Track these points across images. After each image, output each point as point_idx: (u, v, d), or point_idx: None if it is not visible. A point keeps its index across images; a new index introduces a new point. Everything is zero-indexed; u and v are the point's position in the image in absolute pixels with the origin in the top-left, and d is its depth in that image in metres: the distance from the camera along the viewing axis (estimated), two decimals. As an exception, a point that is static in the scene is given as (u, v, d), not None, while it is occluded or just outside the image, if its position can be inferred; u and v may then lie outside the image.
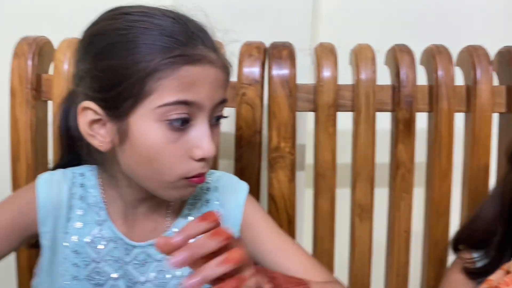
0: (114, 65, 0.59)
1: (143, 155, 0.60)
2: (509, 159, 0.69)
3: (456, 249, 0.75)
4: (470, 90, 0.86)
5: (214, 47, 0.63)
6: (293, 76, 0.85)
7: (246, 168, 0.87)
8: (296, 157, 0.87)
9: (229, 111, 0.87)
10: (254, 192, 0.87)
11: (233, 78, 0.85)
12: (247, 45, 0.88)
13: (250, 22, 1.04)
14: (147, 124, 0.59)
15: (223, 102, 0.65)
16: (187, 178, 0.61)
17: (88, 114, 0.61)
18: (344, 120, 0.88)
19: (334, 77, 0.85)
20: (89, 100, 0.61)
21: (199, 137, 0.60)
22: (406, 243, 0.87)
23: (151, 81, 0.58)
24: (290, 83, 0.85)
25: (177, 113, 0.59)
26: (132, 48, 0.59)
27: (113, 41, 0.60)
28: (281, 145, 0.85)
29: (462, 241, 0.74)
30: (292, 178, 0.86)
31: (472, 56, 0.87)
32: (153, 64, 0.57)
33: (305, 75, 0.92)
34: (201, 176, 0.63)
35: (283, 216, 0.86)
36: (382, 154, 0.89)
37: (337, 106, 0.86)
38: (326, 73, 0.85)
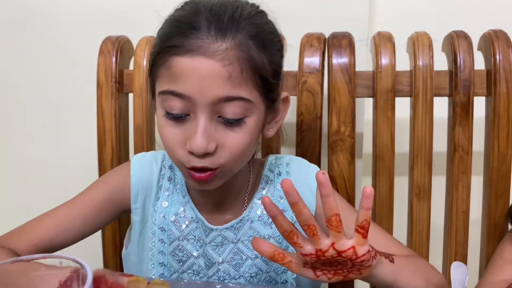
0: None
1: (160, 134, 0.65)
2: None
3: None
4: (530, 73, 0.87)
5: (223, 35, 0.59)
6: (352, 63, 0.90)
7: (306, 152, 0.94)
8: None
9: (291, 99, 0.95)
10: (315, 174, 0.93)
11: (294, 67, 0.93)
12: (308, 36, 0.94)
13: (309, 14, 1.10)
14: (158, 107, 0.64)
15: (231, 100, 0.60)
16: (187, 168, 0.63)
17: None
18: (402, 106, 0.92)
19: (392, 64, 0.89)
20: None
21: (193, 131, 0.60)
22: (464, 223, 0.90)
23: (155, 68, 0.63)
24: (349, 70, 0.90)
25: (169, 104, 0.61)
26: (156, 38, 0.65)
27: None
28: (341, 129, 0.90)
29: None
30: (352, 160, 0.91)
31: (532, 39, 0.88)
32: (155, 53, 0.63)
33: (362, 64, 0.96)
34: (201, 172, 0.62)
35: (344, 197, 0.91)
36: (439, 138, 0.92)
37: (395, 92, 0.90)
38: (384, 60, 0.90)
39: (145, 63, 0.99)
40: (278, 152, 0.95)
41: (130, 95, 1.03)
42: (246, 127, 0.62)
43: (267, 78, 0.62)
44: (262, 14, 0.65)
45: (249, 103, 0.61)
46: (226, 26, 0.59)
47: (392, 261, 0.57)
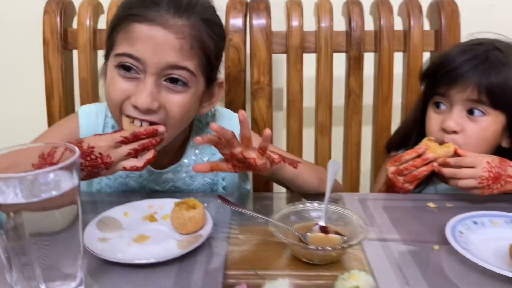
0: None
1: (105, 91, 0.75)
2: (419, 77, 0.94)
3: (388, 151, 1.02)
4: (406, 34, 1.12)
5: (181, 14, 0.69)
6: (269, 24, 1.09)
7: (234, 99, 1.13)
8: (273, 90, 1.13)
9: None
10: (241, 117, 1.13)
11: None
12: (232, 0, 1.11)
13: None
14: (110, 69, 0.74)
15: (177, 68, 0.69)
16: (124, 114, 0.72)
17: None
18: (309, 60, 1.13)
19: (301, 25, 1.09)
20: None
21: (139, 89, 0.70)
22: (357, 153, 1.15)
23: (114, 33, 0.73)
24: (267, 30, 1.09)
25: (123, 62, 0.70)
26: (118, 7, 0.75)
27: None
28: (261, 79, 1.10)
29: (392, 143, 1.01)
30: (269, 105, 1.12)
31: (408, 7, 1.12)
32: (117, 18, 0.73)
33: (281, 25, 1.15)
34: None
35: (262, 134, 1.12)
36: (338, 86, 1.15)
37: (304, 48, 1.11)
38: (295, 22, 1.09)
39: (88, 22, 1.11)
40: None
41: (75, 52, 1.15)
42: (186, 95, 0.73)
43: (210, 59, 0.75)
44: (213, 7, 0.78)
45: (192, 75, 0.73)
46: (184, 8, 0.71)
47: (295, 167, 0.79)
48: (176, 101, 0.72)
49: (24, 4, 1.31)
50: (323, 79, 1.12)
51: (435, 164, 0.79)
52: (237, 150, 0.68)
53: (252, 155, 0.68)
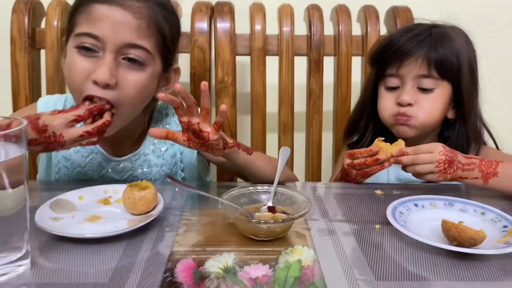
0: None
1: (65, 75, 0.78)
2: (368, 59, 0.99)
3: (345, 139, 1.06)
4: (364, 39, 1.18)
5: None
6: (233, 27, 1.13)
7: (198, 98, 1.15)
8: (237, 90, 1.16)
9: (185, 56, 1.16)
10: (206, 115, 1.16)
11: (187, 29, 1.14)
12: (198, 3, 1.15)
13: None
14: (70, 50, 0.77)
15: (135, 47, 0.73)
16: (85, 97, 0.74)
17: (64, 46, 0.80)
18: (272, 62, 1.17)
19: (263, 29, 1.14)
20: None
21: (99, 65, 0.73)
22: (318, 149, 1.19)
23: (75, 15, 0.76)
24: (230, 32, 1.13)
25: (83, 42, 0.73)
26: None
27: None
28: (225, 78, 1.14)
29: (346, 131, 1.04)
30: (233, 103, 1.15)
31: (365, 13, 1.18)
32: (77, 2, 0.76)
33: (245, 28, 1.19)
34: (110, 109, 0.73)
35: (227, 133, 1.16)
36: (300, 87, 1.19)
37: (266, 51, 1.15)
38: (257, 26, 1.14)
39: (56, 22, 1.13)
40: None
41: (42, 51, 1.17)
42: (144, 73, 0.76)
43: (166, 40, 0.79)
44: (171, 4, 0.83)
45: (149, 54, 0.76)
46: None
47: (250, 154, 0.82)
48: (133, 79, 0.76)
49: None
50: (285, 80, 1.16)
51: (386, 164, 0.82)
52: (195, 120, 0.72)
53: (207, 128, 0.71)
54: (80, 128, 0.70)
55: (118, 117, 0.77)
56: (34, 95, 1.17)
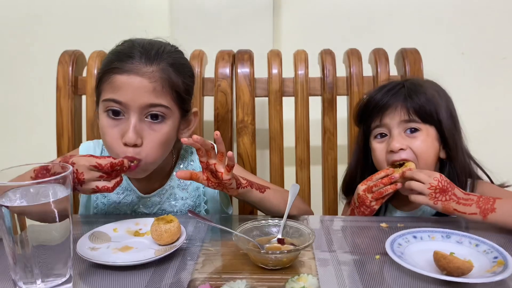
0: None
1: (101, 134, 0.89)
2: (354, 120, 1.07)
3: (344, 193, 1.11)
4: (374, 79, 1.26)
5: (151, 62, 0.85)
6: (252, 72, 1.24)
7: (222, 136, 1.24)
8: (256, 128, 1.26)
9: (209, 98, 1.27)
10: (228, 152, 1.27)
11: (211, 74, 1.26)
12: (221, 52, 1.27)
13: (228, 33, 1.45)
14: (100, 112, 0.89)
15: (154, 106, 0.85)
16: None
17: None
18: (289, 102, 1.27)
19: (280, 73, 1.25)
20: None
21: (126, 128, 0.85)
22: (334, 185, 1.26)
23: (101, 83, 0.88)
24: (250, 77, 1.24)
25: (110, 106, 0.85)
26: (103, 62, 0.91)
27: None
28: (245, 119, 1.24)
29: (343, 186, 1.10)
30: (253, 141, 1.25)
31: (375, 55, 1.27)
32: (102, 73, 0.88)
33: (263, 72, 1.30)
34: (132, 161, 0.84)
35: (248, 168, 1.25)
36: (315, 125, 1.28)
37: (283, 92, 1.25)
38: (274, 70, 1.25)
39: (95, 71, 1.28)
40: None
41: (83, 97, 1.32)
42: (164, 127, 0.88)
43: (180, 93, 0.90)
44: (178, 51, 0.94)
45: (168, 109, 0.88)
46: (153, 57, 0.87)
47: (262, 192, 0.90)
48: (155, 135, 0.87)
49: (41, 54, 1.52)
50: (301, 119, 1.25)
51: (399, 184, 0.90)
52: (212, 161, 0.81)
53: (221, 169, 0.81)
54: (100, 181, 0.81)
55: (145, 166, 0.88)
56: (76, 136, 1.31)
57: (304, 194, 1.26)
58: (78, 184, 0.81)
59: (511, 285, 0.65)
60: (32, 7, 1.61)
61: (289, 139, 1.29)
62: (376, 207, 0.93)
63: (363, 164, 1.04)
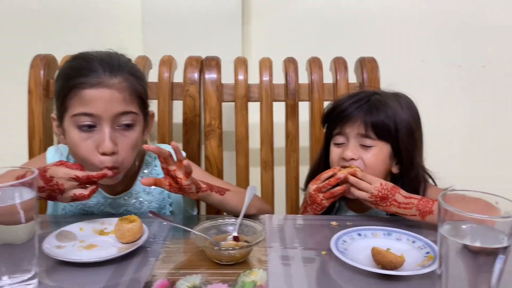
0: (56, 88, 0.95)
1: (71, 148, 0.94)
2: (321, 121, 1.13)
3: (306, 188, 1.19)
4: (334, 86, 1.33)
5: (115, 74, 0.89)
6: (219, 78, 1.30)
7: (190, 140, 1.32)
8: (223, 132, 1.32)
9: (178, 103, 1.33)
10: (196, 155, 1.33)
11: (180, 79, 1.31)
12: (190, 58, 1.33)
13: (196, 40, 1.50)
14: (69, 128, 0.92)
15: (125, 113, 0.90)
16: (101, 168, 0.89)
17: (54, 121, 0.97)
18: (254, 107, 1.33)
19: (245, 79, 1.31)
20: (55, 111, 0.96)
21: (101, 138, 0.89)
22: (296, 184, 1.33)
23: (67, 100, 0.91)
24: (217, 83, 1.30)
25: (82, 120, 0.88)
26: (59, 79, 0.93)
27: (59, 73, 0.96)
28: (212, 122, 1.30)
29: (307, 181, 1.16)
30: (220, 144, 1.31)
31: (335, 64, 1.34)
32: (64, 89, 0.90)
33: (230, 78, 1.36)
34: (111, 170, 0.89)
35: (214, 170, 1.31)
36: (279, 129, 1.35)
37: (248, 98, 1.32)
38: (240, 76, 1.31)
39: (67, 75, 1.31)
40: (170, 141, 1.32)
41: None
42: (134, 132, 0.93)
43: (143, 99, 0.96)
44: (130, 59, 0.99)
45: (136, 115, 0.93)
46: (116, 68, 0.91)
47: (222, 194, 0.96)
48: (128, 141, 0.92)
49: (13, 58, 1.54)
50: (265, 123, 1.32)
51: (349, 176, 0.97)
52: (172, 167, 0.86)
53: (180, 175, 0.86)
54: (77, 189, 0.86)
55: (122, 171, 0.94)
56: (47, 138, 1.34)
57: (268, 195, 1.33)
58: (58, 194, 0.86)
59: (435, 277, 0.73)
60: (2, 10, 1.63)
61: (254, 142, 1.35)
62: (327, 204, 1.00)
63: (325, 161, 1.11)
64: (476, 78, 1.76)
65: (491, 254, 0.59)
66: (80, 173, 0.86)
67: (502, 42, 1.75)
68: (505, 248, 0.59)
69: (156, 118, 1.28)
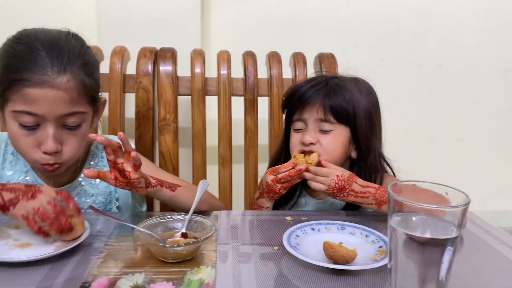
0: None
1: (11, 140, 0.87)
2: (281, 106, 1.10)
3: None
4: (293, 81, 1.31)
5: (64, 71, 0.81)
6: (174, 70, 1.26)
7: (143, 134, 1.27)
8: (179, 127, 1.27)
9: (131, 95, 1.27)
10: (149, 150, 1.27)
11: (133, 71, 1.25)
12: (143, 48, 1.27)
13: (153, 32, 1.44)
14: (9, 120, 0.85)
15: (72, 114, 0.83)
16: (42, 164, 0.86)
17: None
18: (212, 101, 1.29)
19: (203, 72, 1.27)
20: None
21: (44, 137, 0.83)
22: (255, 181, 1.30)
23: (7, 92, 0.83)
24: (172, 75, 1.25)
25: (23, 119, 0.82)
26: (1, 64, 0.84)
27: None
28: (167, 116, 1.25)
29: (270, 165, 1.14)
30: (175, 139, 1.26)
31: (294, 59, 1.32)
32: (8, 82, 0.82)
33: (187, 71, 1.32)
34: (52, 166, 0.86)
35: (169, 166, 1.26)
36: (238, 124, 1.32)
37: (206, 91, 1.28)
38: (197, 69, 1.27)
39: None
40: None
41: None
42: (81, 130, 0.88)
43: (93, 93, 0.89)
44: (83, 45, 0.89)
45: (84, 114, 0.87)
46: (66, 64, 0.82)
47: (173, 190, 0.92)
48: (74, 140, 0.88)
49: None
50: (223, 118, 1.28)
51: (305, 173, 0.95)
52: (119, 160, 0.81)
53: (128, 168, 0.81)
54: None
55: (66, 165, 0.90)
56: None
57: (226, 192, 1.29)
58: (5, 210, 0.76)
59: (386, 271, 0.71)
60: None
61: (212, 138, 1.31)
62: (284, 191, 0.99)
63: (286, 147, 1.09)
64: (433, 77, 1.80)
65: (440, 245, 0.58)
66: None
67: (458, 43, 1.79)
68: (454, 239, 0.58)
69: (106, 112, 1.21)
